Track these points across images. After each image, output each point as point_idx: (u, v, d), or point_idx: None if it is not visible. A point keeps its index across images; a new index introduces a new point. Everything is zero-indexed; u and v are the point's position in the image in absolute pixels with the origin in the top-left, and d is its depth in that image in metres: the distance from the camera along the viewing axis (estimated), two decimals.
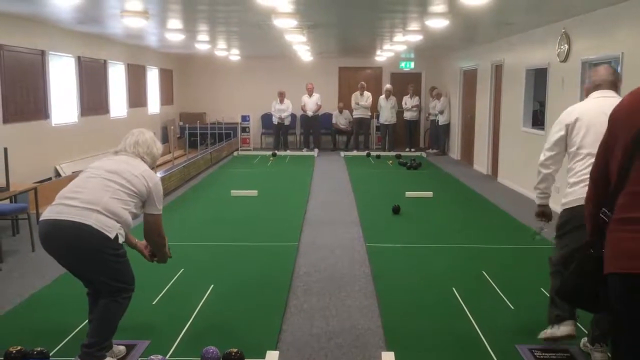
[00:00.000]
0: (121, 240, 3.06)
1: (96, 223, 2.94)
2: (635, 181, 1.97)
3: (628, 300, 1.96)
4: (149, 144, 3.29)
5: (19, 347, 3.24)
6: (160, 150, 3.41)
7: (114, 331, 3.15)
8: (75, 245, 2.98)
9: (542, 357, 3.39)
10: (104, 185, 3.04)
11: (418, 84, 15.32)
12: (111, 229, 2.97)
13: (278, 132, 14.53)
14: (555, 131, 3.48)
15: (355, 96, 14.44)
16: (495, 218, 7.28)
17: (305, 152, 14.25)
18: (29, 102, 8.18)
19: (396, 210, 7.44)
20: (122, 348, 3.37)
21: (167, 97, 14.86)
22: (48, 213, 3.03)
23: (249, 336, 3.68)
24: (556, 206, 3.55)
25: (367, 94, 14.40)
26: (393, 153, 13.50)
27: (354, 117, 14.56)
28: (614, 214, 2.03)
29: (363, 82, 14.60)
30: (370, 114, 14.57)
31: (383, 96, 14.39)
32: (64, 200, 3.03)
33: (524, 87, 9.05)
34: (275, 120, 14.44)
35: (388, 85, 14.58)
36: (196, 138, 13.93)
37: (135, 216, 3.17)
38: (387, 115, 14.27)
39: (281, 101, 14.30)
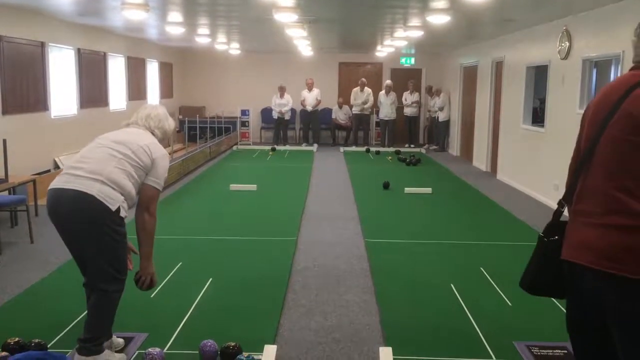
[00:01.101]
0: (123, 214, 2.99)
1: (99, 194, 2.90)
2: (591, 176, 2.05)
3: (570, 286, 2.13)
4: (161, 118, 3.29)
5: (17, 339, 3.24)
6: (173, 125, 3.39)
7: (109, 326, 3.14)
8: (76, 215, 2.93)
9: (539, 353, 3.40)
10: (109, 155, 3.01)
11: (418, 80, 15.30)
12: (114, 200, 2.94)
13: (278, 127, 14.53)
14: None
15: (355, 92, 14.44)
16: (494, 215, 7.28)
17: (304, 147, 14.24)
18: (29, 94, 8.16)
19: (386, 186, 8.56)
20: (121, 340, 3.38)
21: (166, 90, 14.83)
22: (55, 182, 3.02)
23: (247, 330, 3.69)
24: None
25: (367, 90, 14.39)
26: (392, 149, 13.50)
27: (353, 112, 14.59)
28: (572, 204, 2.14)
29: (364, 79, 14.57)
30: (370, 109, 14.58)
31: (383, 92, 14.38)
32: (71, 170, 3.01)
33: (524, 84, 9.04)
34: (275, 115, 14.44)
35: (388, 81, 14.56)
36: (195, 132, 13.91)
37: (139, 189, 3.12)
38: (387, 111, 14.26)
39: (281, 95, 14.29)
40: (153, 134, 3.23)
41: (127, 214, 3.05)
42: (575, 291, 2.12)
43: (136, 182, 3.06)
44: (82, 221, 2.94)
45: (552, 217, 2.23)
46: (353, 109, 14.53)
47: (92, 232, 2.95)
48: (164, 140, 3.31)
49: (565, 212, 2.20)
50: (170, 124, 3.36)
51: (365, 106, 14.41)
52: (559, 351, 3.42)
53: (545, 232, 2.23)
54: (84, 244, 3.01)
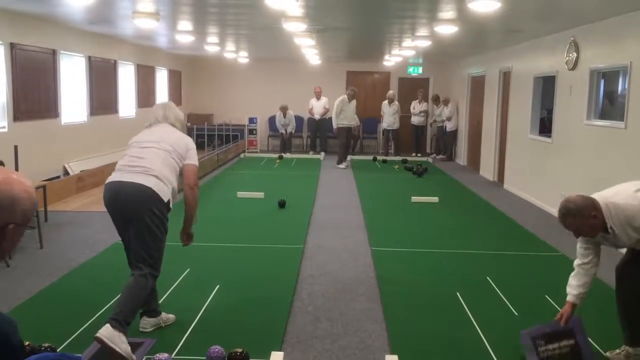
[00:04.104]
0: (170, 205, 3.51)
1: (155, 186, 3.41)
2: None
3: None
4: (175, 111, 3.82)
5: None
6: (182, 114, 3.93)
7: (133, 309, 3.31)
8: (134, 203, 3.38)
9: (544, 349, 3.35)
10: (156, 154, 3.52)
11: (426, 89, 15.33)
12: (166, 193, 3.46)
13: (283, 138, 14.58)
14: None
15: (342, 102, 12.49)
16: (500, 224, 7.28)
17: (311, 155, 14.28)
18: (40, 101, 8.25)
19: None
20: (172, 316, 3.83)
21: (175, 97, 14.91)
22: (113, 177, 3.49)
23: (253, 336, 3.71)
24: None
25: (354, 103, 12.70)
26: (399, 158, 13.51)
27: (338, 126, 12.55)
28: None
29: (354, 87, 13.00)
30: (354, 122, 13.13)
31: (386, 102, 14.33)
32: (127, 168, 3.48)
33: (531, 95, 9.05)
34: (281, 129, 14.50)
35: (390, 91, 14.51)
36: (204, 139, 14.00)
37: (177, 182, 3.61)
38: (390, 120, 14.17)
39: (284, 115, 14.29)
40: (174, 126, 3.75)
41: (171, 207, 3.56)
42: None
43: (177, 173, 3.61)
44: (139, 208, 3.37)
45: None
46: (339, 122, 12.49)
47: (143, 218, 3.37)
48: (184, 129, 3.85)
49: None
50: (181, 113, 3.88)
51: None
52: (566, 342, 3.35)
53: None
54: (131, 232, 3.43)
